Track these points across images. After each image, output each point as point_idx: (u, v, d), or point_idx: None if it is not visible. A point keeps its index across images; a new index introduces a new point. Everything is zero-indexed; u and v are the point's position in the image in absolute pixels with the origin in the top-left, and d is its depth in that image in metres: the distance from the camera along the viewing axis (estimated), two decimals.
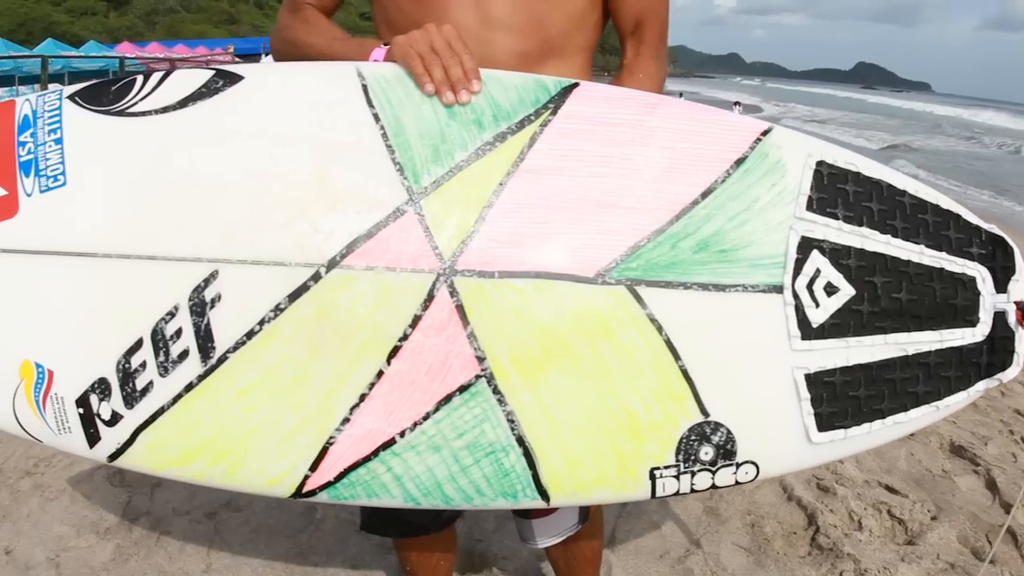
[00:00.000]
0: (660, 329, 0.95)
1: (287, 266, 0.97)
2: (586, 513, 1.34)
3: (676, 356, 0.95)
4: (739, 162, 0.95)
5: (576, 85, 0.98)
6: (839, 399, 0.95)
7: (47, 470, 2.46)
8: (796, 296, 0.94)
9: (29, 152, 1.03)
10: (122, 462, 1.02)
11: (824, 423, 0.95)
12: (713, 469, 0.97)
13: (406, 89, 0.99)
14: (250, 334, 0.98)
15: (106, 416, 1.01)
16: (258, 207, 0.98)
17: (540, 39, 1.07)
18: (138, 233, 1.00)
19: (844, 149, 0.97)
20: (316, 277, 0.97)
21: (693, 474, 0.97)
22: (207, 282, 0.98)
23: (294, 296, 0.97)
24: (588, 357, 0.96)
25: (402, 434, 0.98)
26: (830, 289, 0.94)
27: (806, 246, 0.94)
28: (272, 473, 1.00)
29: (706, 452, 0.96)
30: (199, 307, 0.98)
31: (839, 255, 0.93)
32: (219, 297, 0.98)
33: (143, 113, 1.02)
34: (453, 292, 0.96)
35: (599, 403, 0.96)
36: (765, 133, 0.96)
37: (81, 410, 1.01)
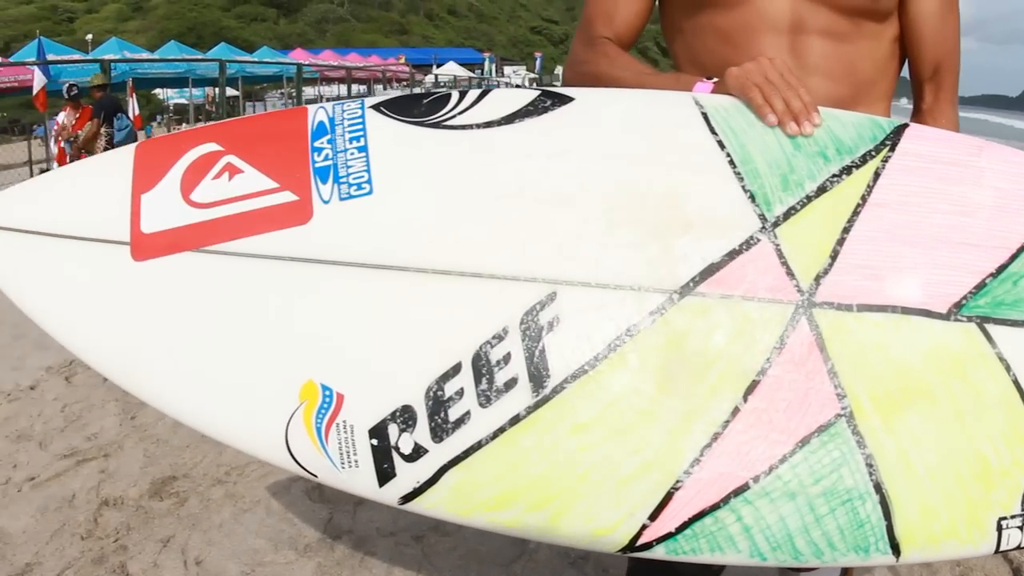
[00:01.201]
0: (1008, 368, 0.96)
1: (635, 291, 0.91)
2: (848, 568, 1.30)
3: (1023, 397, 0.96)
4: None
5: (907, 125, 1.01)
6: None
7: (239, 479, 2.33)
8: None
9: (327, 159, 0.92)
10: (418, 504, 0.89)
11: None
12: None
13: (747, 119, 0.98)
14: (592, 363, 0.89)
15: (406, 450, 0.88)
16: (602, 225, 0.92)
17: (851, 85, 1.10)
18: (460, 248, 0.90)
19: None
20: (668, 303, 0.91)
21: None
22: (543, 304, 0.89)
23: (643, 324, 0.90)
24: (943, 397, 0.95)
25: (756, 479, 0.91)
26: None
27: None
28: (603, 522, 0.89)
29: None
30: (533, 331, 0.89)
31: None
32: (557, 321, 0.89)
33: (464, 127, 0.95)
34: (812, 325, 0.93)
35: (954, 446, 0.94)
36: None
37: (375, 441, 0.87)
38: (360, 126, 0.95)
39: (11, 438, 2.77)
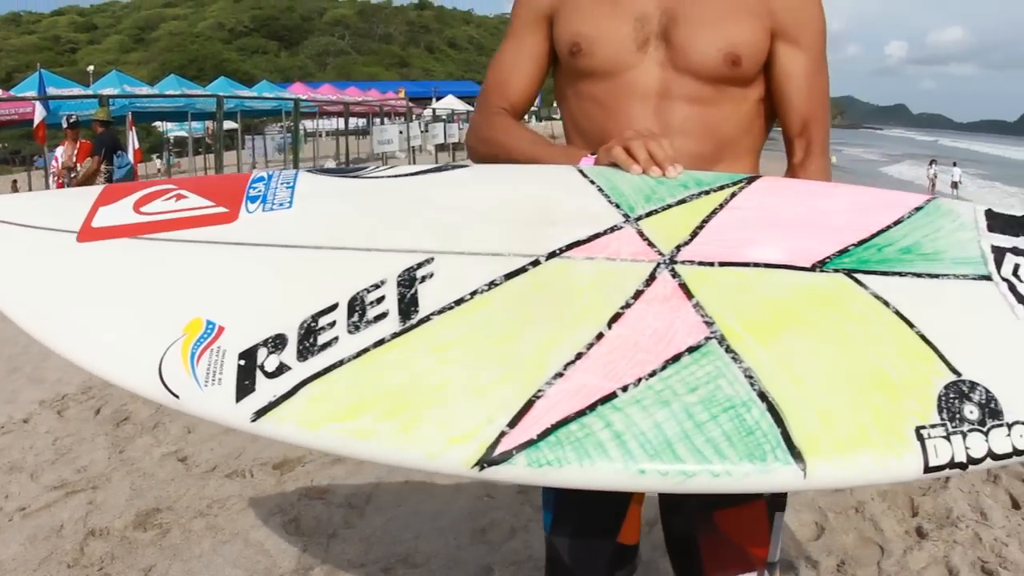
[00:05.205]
0: (887, 304, 1.00)
1: (505, 256, 1.07)
2: None
3: (910, 324, 0.98)
4: (917, 208, 1.14)
5: (760, 176, 1.22)
6: None
7: (220, 512, 2.58)
8: (1006, 280, 1.02)
9: (259, 192, 1.21)
10: (270, 420, 0.93)
11: None
12: (984, 429, 0.89)
13: (618, 171, 1.21)
14: (459, 301, 1.02)
15: (270, 368, 0.97)
16: (483, 220, 1.14)
17: (714, 143, 1.31)
18: (355, 233, 1.12)
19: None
20: (535, 263, 1.06)
21: (964, 435, 0.89)
22: (420, 265, 1.06)
23: (511, 276, 1.04)
24: (821, 322, 0.99)
25: (624, 388, 0.92)
26: None
27: (999, 252, 1.06)
28: (459, 429, 0.90)
29: (970, 410, 0.90)
30: (407, 282, 1.04)
31: None
32: (431, 275, 1.05)
33: (378, 177, 1.24)
34: (675, 275, 1.04)
35: (842, 360, 0.95)
36: (932, 199, 1.17)
37: (243, 362, 0.97)
38: (293, 177, 1.25)
39: (4, 469, 3.03)
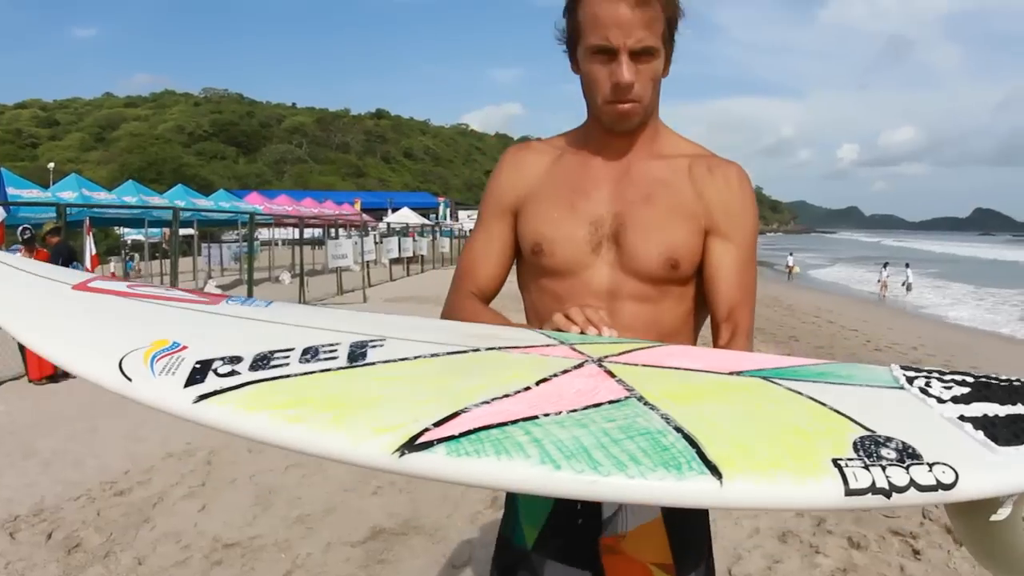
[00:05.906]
0: (800, 393, 1.05)
1: (446, 345, 1.14)
2: None
3: (822, 403, 1.02)
4: (833, 360, 1.22)
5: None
6: (1001, 426, 0.96)
7: None
8: (919, 387, 1.08)
9: (235, 300, 1.32)
10: (212, 403, 0.96)
11: (1000, 441, 0.94)
12: (904, 465, 0.89)
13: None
14: (403, 359, 1.08)
15: (223, 371, 1.02)
16: (433, 330, 1.22)
17: (656, 336, 1.40)
18: (320, 321, 1.22)
19: None
20: (475, 350, 1.13)
21: (884, 468, 0.88)
22: (373, 340, 1.15)
23: (451, 353, 1.11)
24: (737, 398, 1.03)
25: (546, 415, 0.95)
26: (947, 387, 1.08)
27: (911, 378, 1.12)
28: (385, 423, 0.92)
29: (887, 452, 0.91)
30: (360, 346, 1.12)
31: (943, 383, 1.11)
32: (380, 344, 1.13)
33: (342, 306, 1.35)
34: (601, 365, 1.10)
35: (757, 417, 0.98)
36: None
37: (198, 365, 1.03)
38: (271, 300, 1.36)
39: None
